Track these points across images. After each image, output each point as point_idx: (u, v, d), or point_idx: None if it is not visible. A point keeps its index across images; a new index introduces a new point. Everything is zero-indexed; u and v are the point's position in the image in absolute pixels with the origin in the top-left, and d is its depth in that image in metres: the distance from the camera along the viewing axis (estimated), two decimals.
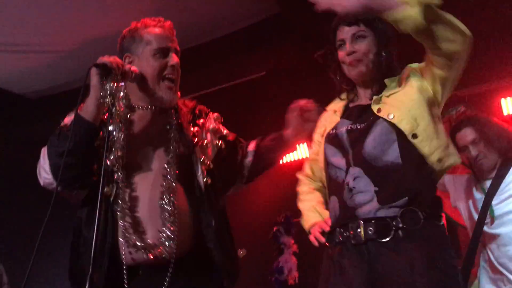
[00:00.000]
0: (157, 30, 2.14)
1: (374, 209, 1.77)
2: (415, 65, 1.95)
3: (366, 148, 1.83)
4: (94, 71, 1.91)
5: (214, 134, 2.21)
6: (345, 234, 1.81)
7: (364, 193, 1.79)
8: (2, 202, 5.39)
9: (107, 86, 1.91)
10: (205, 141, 2.16)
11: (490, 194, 2.75)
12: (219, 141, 2.21)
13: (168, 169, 2.04)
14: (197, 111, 2.26)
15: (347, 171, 1.86)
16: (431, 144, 1.78)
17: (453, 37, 1.70)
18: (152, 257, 1.94)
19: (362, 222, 1.76)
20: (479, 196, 2.85)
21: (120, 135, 2.04)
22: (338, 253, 1.84)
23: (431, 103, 1.86)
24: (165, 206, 1.99)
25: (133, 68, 2.05)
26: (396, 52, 1.96)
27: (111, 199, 1.99)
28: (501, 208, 2.73)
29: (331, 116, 2.05)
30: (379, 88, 1.93)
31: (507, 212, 2.72)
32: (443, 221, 1.84)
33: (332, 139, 1.95)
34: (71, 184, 1.97)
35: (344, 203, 1.84)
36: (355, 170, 1.83)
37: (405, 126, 1.79)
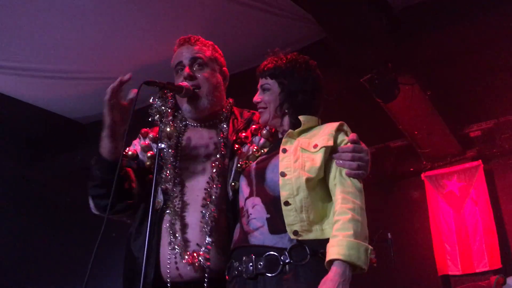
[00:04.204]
0: (176, 48, 2.23)
1: (263, 237, 1.85)
2: (336, 135, 1.95)
3: (267, 177, 1.93)
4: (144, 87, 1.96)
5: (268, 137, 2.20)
6: (239, 268, 1.86)
7: (257, 219, 1.88)
8: (55, 227, 5.56)
9: (156, 104, 1.98)
10: (254, 147, 2.14)
11: None
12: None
13: (210, 183, 2.05)
14: (255, 118, 2.25)
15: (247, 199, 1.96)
16: (296, 216, 1.81)
17: None
18: (189, 269, 1.94)
19: (254, 256, 1.82)
20: None
21: (170, 151, 2.09)
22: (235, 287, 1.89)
23: (322, 181, 1.91)
24: (205, 224, 2.00)
25: (183, 84, 2.10)
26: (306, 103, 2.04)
27: (158, 213, 2.03)
28: None
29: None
30: (294, 126, 2.03)
31: None
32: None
33: (246, 170, 2.06)
34: (109, 210, 2.01)
35: (243, 228, 1.93)
36: (255, 199, 1.93)
37: (284, 192, 1.85)
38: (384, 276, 5.02)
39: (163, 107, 2.00)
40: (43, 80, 4.77)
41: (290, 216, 1.82)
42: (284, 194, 1.85)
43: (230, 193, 2.05)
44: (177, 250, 1.97)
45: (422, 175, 6.18)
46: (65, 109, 5.38)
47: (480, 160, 5.87)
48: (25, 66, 4.52)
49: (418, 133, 5.52)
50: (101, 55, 4.53)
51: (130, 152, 2.18)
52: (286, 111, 2.05)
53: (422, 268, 5.80)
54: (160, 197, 2.06)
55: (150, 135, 2.20)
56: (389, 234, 5.12)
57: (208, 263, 1.94)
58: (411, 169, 6.26)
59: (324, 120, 2.07)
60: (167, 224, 2.01)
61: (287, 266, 1.78)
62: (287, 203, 1.83)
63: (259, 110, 2.10)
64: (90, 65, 4.68)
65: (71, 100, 5.15)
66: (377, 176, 6.03)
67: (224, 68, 2.30)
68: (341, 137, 1.95)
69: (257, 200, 1.92)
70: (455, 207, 5.96)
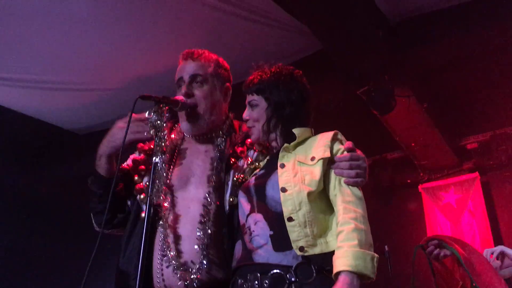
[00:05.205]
0: (180, 61, 2.23)
1: (267, 255, 1.82)
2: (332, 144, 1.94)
3: (267, 194, 1.91)
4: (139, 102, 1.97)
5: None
6: (244, 286, 1.83)
7: (260, 236, 1.86)
8: (50, 236, 5.53)
9: (152, 118, 1.99)
10: (249, 160, 2.13)
11: None
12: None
13: (208, 199, 2.04)
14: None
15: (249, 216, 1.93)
16: (300, 231, 1.80)
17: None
18: (180, 284, 1.92)
19: (259, 274, 1.80)
20: None
21: (164, 165, 2.09)
22: None
23: (321, 193, 1.90)
24: (201, 237, 1.98)
25: (179, 97, 2.10)
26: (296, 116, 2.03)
27: (150, 223, 2.00)
28: None
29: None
30: (286, 139, 2.01)
31: None
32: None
33: (243, 186, 2.04)
34: (107, 224, 2.09)
35: (245, 246, 1.90)
36: (257, 216, 1.90)
37: (286, 208, 1.83)
38: None
39: (158, 121, 2.00)
40: (40, 91, 4.77)
41: (294, 232, 1.79)
42: (286, 210, 1.83)
43: (227, 208, 2.03)
44: (169, 264, 1.95)
45: (419, 187, 6.17)
46: (61, 120, 5.37)
47: (477, 172, 5.87)
48: (22, 77, 4.53)
49: (415, 145, 5.52)
50: (98, 67, 4.54)
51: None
52: (275, 125, 2.04)
53: (419, 280, 5.77)
54: (151, 210, 2.03)
55: (145, 149, 2.21)
56: (386, 247, 5.09)
57: (199, 281, 1.92)
58: (408, 181, 6.24)
59: (320, 131, 2.06)
60: (159, 237, 2.00)
61: (293, 285, 1.76)
62: (290, 219, 1.81)
63: (248, 127, 2.09)
64: (87, 76, 4.68)
65: (67, 111, 5.15)
66: (374, 187, 6.01)
67: (227, 84, 2.28)
68: (337, 146, 1.94)
69: (259, 216, 1.89)
70: (452, 219, 5.95)
